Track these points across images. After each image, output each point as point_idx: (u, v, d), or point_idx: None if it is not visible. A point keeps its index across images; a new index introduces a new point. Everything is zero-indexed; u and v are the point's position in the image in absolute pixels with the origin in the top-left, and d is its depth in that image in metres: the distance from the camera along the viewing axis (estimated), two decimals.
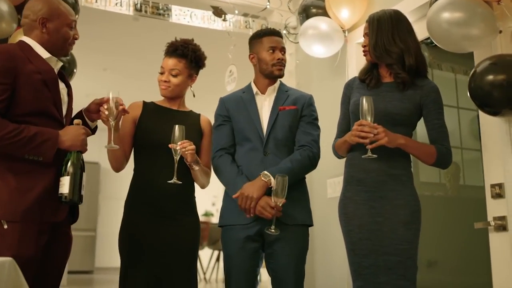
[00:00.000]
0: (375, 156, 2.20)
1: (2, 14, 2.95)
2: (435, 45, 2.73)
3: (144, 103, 2.70)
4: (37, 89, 2.09)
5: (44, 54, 2.20)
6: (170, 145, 2.39)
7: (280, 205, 2.36)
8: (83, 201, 2.14)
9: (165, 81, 2.65)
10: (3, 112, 2.04)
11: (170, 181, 2.39)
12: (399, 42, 2.38)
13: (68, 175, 2.08)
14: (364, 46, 2.48)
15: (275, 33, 2.74)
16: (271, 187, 2.42)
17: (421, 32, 3.02)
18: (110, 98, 2.23)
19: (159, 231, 2.49)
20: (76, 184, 2.09)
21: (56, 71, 2.24)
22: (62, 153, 2.12)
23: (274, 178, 2.40)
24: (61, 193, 2.07)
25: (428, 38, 3.00)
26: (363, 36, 2.50)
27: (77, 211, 2.29)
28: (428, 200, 4.09)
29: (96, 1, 3.53)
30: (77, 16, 3.26)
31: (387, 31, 2.39)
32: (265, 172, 2.46)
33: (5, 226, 1.98)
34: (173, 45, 2.69)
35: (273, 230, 2.38)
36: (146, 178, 2.57)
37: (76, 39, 2.30)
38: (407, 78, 2.37)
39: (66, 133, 2.11)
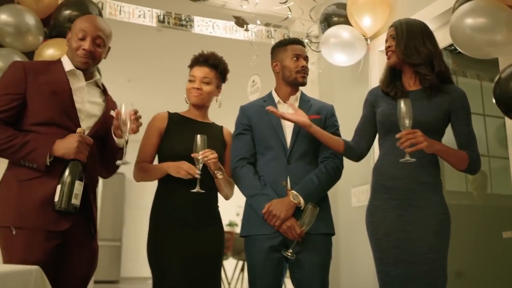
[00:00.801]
0: (413, 160, 2.15)
1: (28, 27, 3.03)
2: (459, 52, 2.71)
3: (169, 114, 2.70)
4: (45, 99, 2.14)
5: (68, 67, 2.26)
6: (192, 155, 2.40)
7: (304, 232, 2.41)
8: (78, 211, 2.11)
9: (198, 89, 2.66)
10: (9, 121, 2.11)
11: (193, 190, 2.40)
12: (429, 45, 2.37)
13: (60, 184, 2.07)
14: (388, 47, 2.44)
15: (299, 42, 2.77)
16: (300, 206, 2.44)
17: (444, 38, 2.99)
18: (122, 110, 2.18)
19: (184, 241, 2.48)
20: (67, 193, 2.05)
21: (85, 84, 2.28)
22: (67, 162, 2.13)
23: (303, 198, 2.44)
24: (55, 201, 2.07)
25: (452, 45, 2.97)
26: (387, 39, 2.46)
27: (93, 222, 2.27)
28: (455, 209, 4.01)
29: (120, 13, 3.58)
30: None
31: (417, 34, 2.38)
32: (294, 192, 2.47)
33: (14, 232, 2.03)
34: (203, 56, 2.71)
35: (289, 254, 2.41)
36: (171, 189, 2.55)
37: (84, 50, 2.24)
38: (435, 81, 2.34)
39: (61, 142, 2.10)
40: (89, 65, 2.27)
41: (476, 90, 4.47)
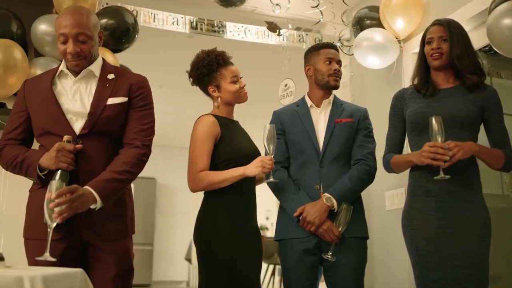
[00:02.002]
0: (448, 177, 2.15)
1: None
2: (494, 52, 2.68)
3: (216, 117, 2.59)
4: (37, 110, 2.15)
5: (60, 70, 2.21)
6: (265, 143, 2.40)
7: (341, 232, 2.42)
8: (66, 221, 1.94)
9: (244, 86, 2.66)
10: (21, 138, 2.18)
11: (267, 180, 2.44)
12: (477, 53, 2.40)
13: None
14: (438, 49, 2.38)
15: (332, 46, 2.77)
16: (333, 209, 2.45)
17: (480, 39, 2.96)
18: (53, 187, 1.90)
19: (246, 246, 2.47)
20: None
21: (73, 82, 2.18)
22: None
23: (336, 201, 2.44)
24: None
25: (487, 45, 2.94)
26: (433, 38, 2.39)
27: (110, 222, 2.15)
28: (491, 211, 3.95)
29: (154, 21, 3.64)
30: (136, 36, 3.37)
31: (469, 42, 2.39)
32: (328, 195, 2.47)
33: (29, 239, 2.13)
34: (226, 55, 2.68)
35: (329, 257, 2.41)
36: (234, 193, 2.50)
37: (70, 53, 2.11)
38: (478, 80, 2.36)
39: (46, 153, 2.05)
40: (82, 65, 2.16)
41: (511, 90, 4.40)
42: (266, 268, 8.51)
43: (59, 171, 1.99)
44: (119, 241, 2.17)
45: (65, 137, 2.04)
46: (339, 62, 2.72)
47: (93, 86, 2.18)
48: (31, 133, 2.21)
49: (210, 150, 2.50)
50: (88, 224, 2.08)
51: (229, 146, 2.53)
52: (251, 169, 2.43)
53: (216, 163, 2.51)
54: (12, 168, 2.16)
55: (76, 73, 2.18)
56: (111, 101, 2.16)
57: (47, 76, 2.23)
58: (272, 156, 2.41)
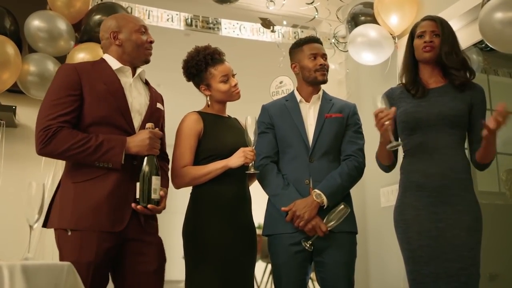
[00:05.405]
0: (400, 143, 2.22)
1: (60, 32, 3.11)
2: (490, 49, 2.67)
3: (200, 114, 2.66)
4: (101, 99, 2.16)
5: (115, 65, 2.28)
6: (246, 136, 2.43)
7: (329, 229, 2.41)
8: (159, 204, 2.20)
9: (236, 84, 2.67)
10: (73, 122, 2.13)
11: (248, 171, 2.42)
12: (462, 50, 2.40)
13: (139, 181, 2.14)
14: (430, 42, 2.37)
15: (314, 40, 2.74)
16: (323, 205, 2.44)
17: (473, 35, 2.96)
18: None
19: (234, 239, 2.50)
20: (144, 189, 2.13)
21: (132, 80, 2.30)
22: (133, 159, 2.18)
23: (326, 197, 2.43)
24: (137, 199, 2.14)
25: (481, 41, 2.93)
26: (425, 32, 2.39)
27: (150, 218, 2.27)
28: (488, 208, 3.93)
29: (149, 18, 3.63)
30: None
31: (457, 41, 2.39)
32: (318, 191, 2.46)
33: (69, 233, 2.07)
34: (218, 52, 2.69)
35: (307, 246, 2.40)
36: (221, 186, 2.54)
37: (151, 42, 2.34)
38: (465, 78, 2.36)
39: (133, 139, 2.15)
40: None
41: (508, 88, 4.39)
42: (264, 268, 8.49)
43: (148, 157, 2.16)
44: (157, 235, 2.31)
45: (149, 125, 2.18)
46: (324, 56, 2.69)
47: (141, 87, 2.35)
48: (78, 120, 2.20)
49: (193, 146, 2.56)
50: (137, 221, 2.19)
51: (212, 141, 2.57)
52: (234, 160, 2.46)
53: (200, 160, 2.56)
54: (77, 152, 2.08)
55: (132, 73, 2.32)
56: (158, 105, 2.38)
57: (103, 67, 2.26)
58: (254, 147, 2.43)
